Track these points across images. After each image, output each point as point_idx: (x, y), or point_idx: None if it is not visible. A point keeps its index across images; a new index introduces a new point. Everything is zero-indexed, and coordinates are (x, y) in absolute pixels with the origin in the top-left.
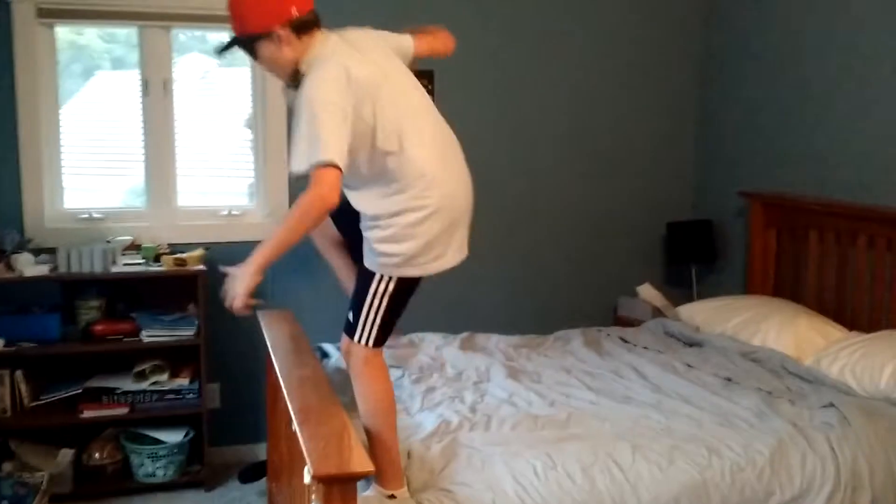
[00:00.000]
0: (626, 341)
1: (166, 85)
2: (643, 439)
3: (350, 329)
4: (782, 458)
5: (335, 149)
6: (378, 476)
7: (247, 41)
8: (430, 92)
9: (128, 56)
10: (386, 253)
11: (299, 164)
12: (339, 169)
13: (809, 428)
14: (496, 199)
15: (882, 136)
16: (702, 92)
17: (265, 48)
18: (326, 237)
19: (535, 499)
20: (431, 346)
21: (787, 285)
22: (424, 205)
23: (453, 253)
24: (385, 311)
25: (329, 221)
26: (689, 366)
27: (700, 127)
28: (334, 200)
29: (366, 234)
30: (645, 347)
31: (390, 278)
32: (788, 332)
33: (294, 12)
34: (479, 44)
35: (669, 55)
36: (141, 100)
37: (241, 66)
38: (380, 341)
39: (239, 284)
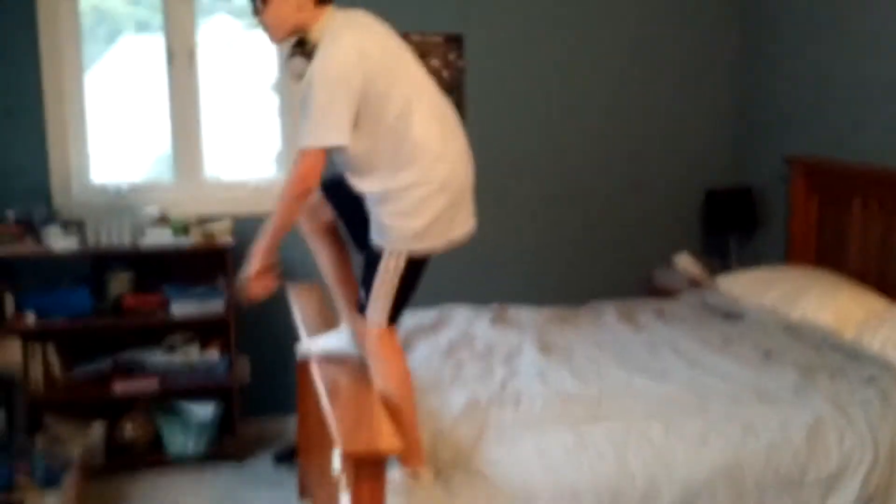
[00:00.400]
0: (661, 314)
1: (191, 55)
2: (677, 418)
3: (362, 309)
4: (819, 436)
5: (328, 130)
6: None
7: None
8: (460, 57)
9: (152, 19)
10: (398, 227)
11: (299, 142)
12: (323, 151)
13: (849, 405)
14: (531, 167)
15: None
16: (743, 59)
17: (280, 4)
18: (316, 222)
19: (566, 479)
20: (462, 318)
21: (830, 255)
22: (433, 178)
23: (460, 226)
24: (398, 290)
25: (322, 206)
26: (726, 340)
27: (742, 93)
28: (314, 181)
29: (375, 209)
30: (681, 320)
31: (400, 254)
32: (829, 304)
33: None
34: (516, 10)
35: (712, 23)
36: (166, 70)
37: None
38: (393, 319)
39: (243, 270)
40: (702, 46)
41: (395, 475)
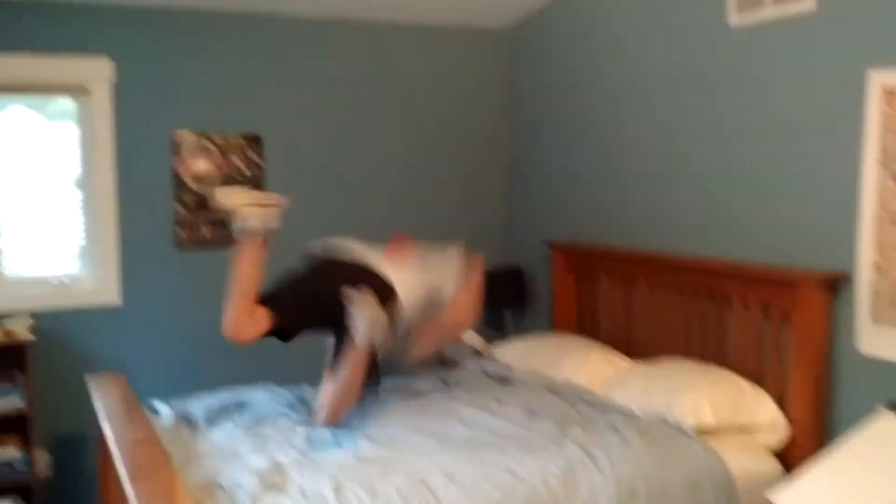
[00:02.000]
0: (447, 382)
1: None
2: (456, 469)
3: None
4: (571, 478)
5: None
6: None
7: None
8: (260, 156)
9: None
10: None
11: None
12: None
13: (595, 448)
14: None
15: (648, 189)
16: (512, 160)
17: None
18: None
19: None
20: (263, 398)
21: (586, 324)
22: None
23: None
24: None
25: None
26: (499, 401)
27: (511, 187)
28: None
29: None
30: (463, 388)
31: None
32: (584, 365)
33: None
34: (311, 111)
35: (487, 133)
36: None
37: (67, 120)
38: None
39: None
40: (478, 153)
41: None
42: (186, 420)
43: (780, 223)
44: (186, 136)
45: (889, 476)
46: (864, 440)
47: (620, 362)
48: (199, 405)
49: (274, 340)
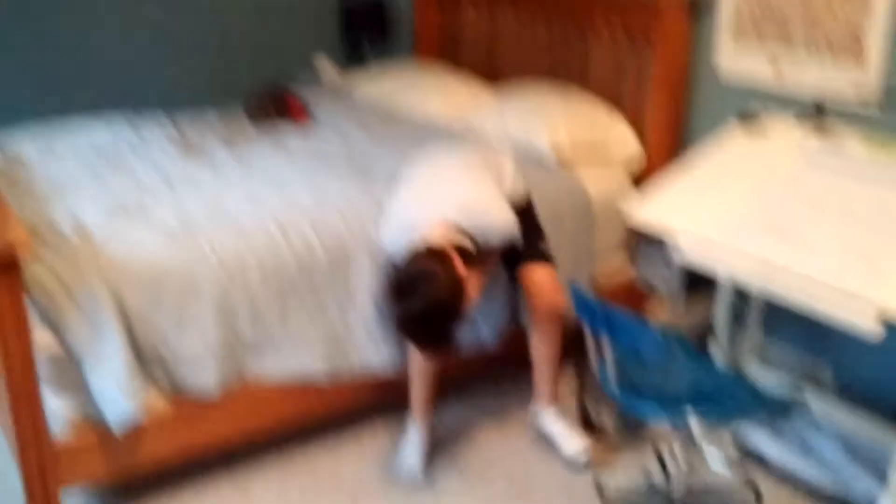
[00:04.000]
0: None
1: None
2: (261, 193)
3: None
4: None
5: None
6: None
7: None
8: None
9: None
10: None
11: None
12: None
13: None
14: None
15: None
16: None
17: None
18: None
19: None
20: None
21: (449, 53)
22: None
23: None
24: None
25: None
26: (344, 136)
27: None
28: None
29: None
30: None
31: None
32: (443, 94)
33: None
34: None
35: None
36: None
37: None
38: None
39: None
40: None
41: None
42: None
43: None
44: None
45: (734, 178)
46: (714, 150)
47: (482, 91)
48: (32, 137)
49: None
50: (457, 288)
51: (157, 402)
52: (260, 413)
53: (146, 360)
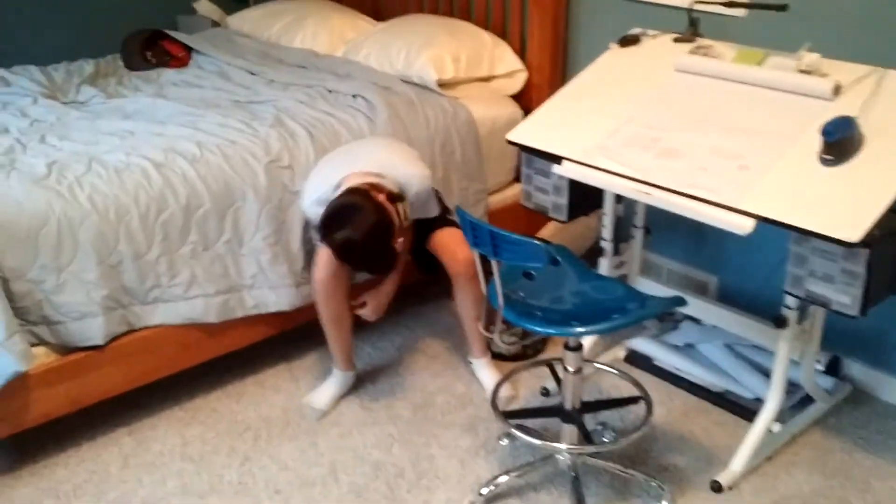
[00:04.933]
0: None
1: None
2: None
3: None
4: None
5: None
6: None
7: None
8: None
9: None
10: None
11: None
12: None
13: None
14: None
15: None
16: None
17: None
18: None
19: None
20: None
21: None
22: None
23: None
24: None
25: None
26: (225, 77)
27: None
28: None
29: None
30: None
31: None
32: (323, 28)
33: None
34: None
35: None
36: None
37: None
38: None
39: None
40: None
41: None
42: None
43: None
44: None
45: (611, 95)
46: (593, 73)
47: (365, 24)
48: None
49: None
50: (383, 211)
51: (42, 356)
52: (149, 357)
53: (30, 321)
